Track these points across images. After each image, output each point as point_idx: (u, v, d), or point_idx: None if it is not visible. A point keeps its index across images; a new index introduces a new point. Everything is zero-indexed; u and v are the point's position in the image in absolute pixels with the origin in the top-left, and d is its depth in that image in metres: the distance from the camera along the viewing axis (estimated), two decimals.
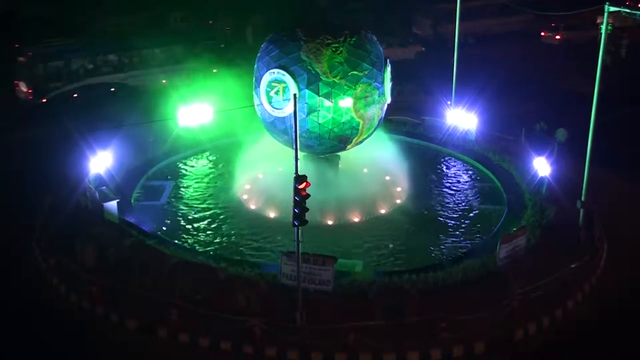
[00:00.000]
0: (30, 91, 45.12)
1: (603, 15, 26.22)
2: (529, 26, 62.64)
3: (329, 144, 30.43)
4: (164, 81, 48.38)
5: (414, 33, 63.09)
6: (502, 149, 36.74)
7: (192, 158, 37.56)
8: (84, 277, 25.33)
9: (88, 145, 31.43)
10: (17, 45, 47.57)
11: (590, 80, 27.17)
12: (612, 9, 26.59)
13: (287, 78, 28.90)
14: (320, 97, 28.95)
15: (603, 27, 26.87)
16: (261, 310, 23.45)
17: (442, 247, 28.79)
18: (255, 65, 30.61)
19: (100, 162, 30.86)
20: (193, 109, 36.34)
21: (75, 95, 45.78)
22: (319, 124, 29.46)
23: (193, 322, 23.33)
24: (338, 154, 31.77)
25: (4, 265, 27.28)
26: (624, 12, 27.64)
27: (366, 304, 23.58)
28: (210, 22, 61.34)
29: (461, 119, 38.20)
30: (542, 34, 63.97)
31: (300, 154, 23.09)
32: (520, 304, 23.72)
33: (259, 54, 30.66)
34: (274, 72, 29.16)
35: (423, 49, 58.75)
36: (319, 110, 29.20)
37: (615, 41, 55.84)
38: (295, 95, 23.38)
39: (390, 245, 28.60)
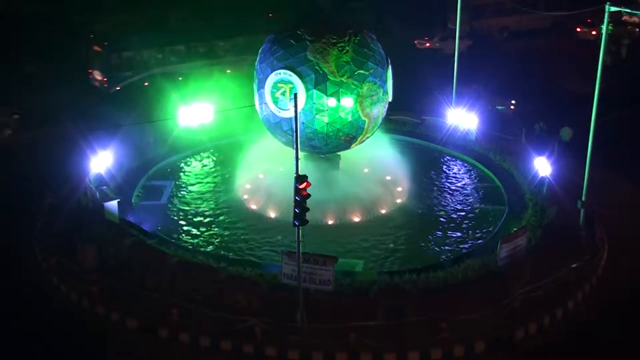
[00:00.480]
0: (105, 79, 46.99)
1: (627, 13, 26.24)
2: (560, 22, 63.63)
3: (335, 144, 30.45)
4: (228, 71, 49.66)
5: (449, 28, 63.75)
6: (502, 148, 36.71)
7: (193, 158, 37.48)
8: (84, 277, 25.33)
9: (89, 145, 31.39)
10: (91, 35, 49.53)
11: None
12: (613, 8, 26.57)
13: (294, 78, 28.82)
14: (328, 97, 28.98)
15: (604, 27, 26.86)
16: (262, 310, 23.45)
17: (440, 247, 28.89)
18: (258, 67, 30.42)
19: (101, 161, 30.80)
20: (194, 108, 36.25)
21: (146, 83, 47.44)
22: (327, 123, 29.46)
23: (193, 322, 23.33)
24: (339, 153, 31.75)
25: (4, 265, 27.25)
26: (625, 11, 27.58)
27: (367, 304, 23.57)
28: (270, 15, 61.53)
29: (462, 118, 38.14)
30: (578, 29, 63.85)
31: (300, 154, 23.06)
32: (521, 304, 23.74)
33: (260, 55, 30.51)
34: (279, 73, 29.03)
35: (471, 42, 59.72)
36: (327, 110, 29.22)
37: (616, 41, 55.82)
38: (295, 95, 23.33)
39: (391, 245, 28.61)
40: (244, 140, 35.70)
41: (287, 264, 24.10)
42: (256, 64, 30.82)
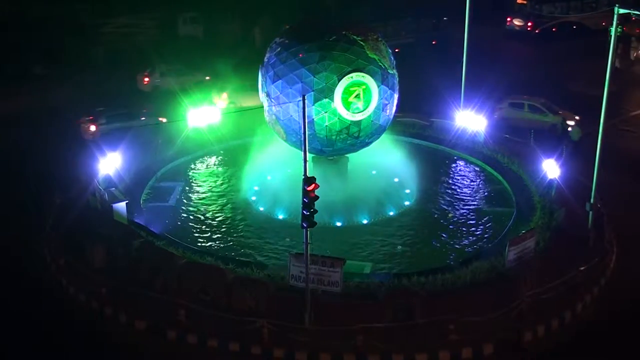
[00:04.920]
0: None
1: (637, 15, 26.36)
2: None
3: (380, 135, 31.49)
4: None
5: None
6: (511, 150, 36.64)
7: (201, 159, 37.59)
8: (92, 278, 25.41)
9: (98, 147, 31.52)
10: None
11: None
12: (622, 11, 26.53)
13: (368, 79, 28.99)
14: (390, 90, 30.06)
15: (612, 29, 26.79)
16: (269, 311, 23.48)
17: (451, 249, 28.85)
18: (309, 79, 28.80)
19: (110, 163, 30.89)
20: (202, 110, 36.36)
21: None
22: (387, 115, 30.48)
23: (201, 323, 23.38)
24: (347, 155, 31.75)
25: (13, 266, 27.38)
26: (634, 14, 27.52)
27: (375, 306, 23.57)
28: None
29: (470, 120, 38.10)
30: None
31: (308, 156, 23.02)
32: (529, 306, 23.69)
33: (305, 68, 28.77)
34: (352, 77, 28.86)
35: None
36: (388, 104, 30.14)
37: (624, 43, 55.68)
38: (304, 96, 23.29)
39: (399, 247, 28.60)
40: (252, 142, 35.83)
41: (295, 265, 24.11)
42: (290, 78, 29.11)
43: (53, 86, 48.59)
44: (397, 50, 57.62)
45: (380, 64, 29.43)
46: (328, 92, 28.80)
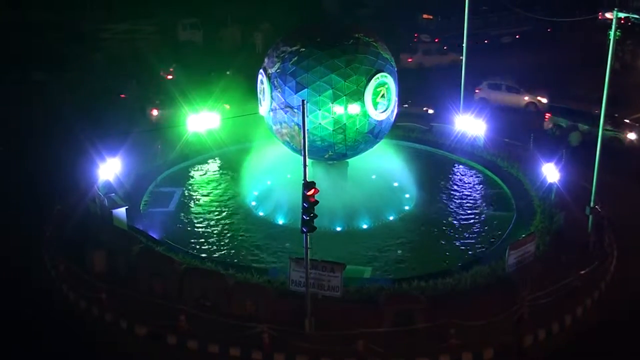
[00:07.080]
0: None
1: (635, 19, 26.40)
2: None
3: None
4: None
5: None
6: (510, 154, 36.66)
7: (201, 164, 37.61)
8: (93, 284, 25.38)
9: (97, 152, 31.47)
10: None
11: None
12: (621, 14, 26.55)
13: (388, 78, 29.58)
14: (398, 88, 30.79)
15: (612, 32, 26.83)
16: (270, 316, 23.45)
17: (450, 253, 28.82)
18: (340, 84, 28.55)
19: (109, 169, 30.86)
20: (202, 115, 36.33)
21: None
22: (395, 112, 31.12)
23: (202, 329, 23.35)
24: (347, 160, 31.75)
25: (13, 272, 27.33)
26: (633, 17, 27.56)
27: (375, 311, 23.54)
28: None
29: (470, 125, 38.13)
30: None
31: (307, 161, 23.00)
32: (530, 310, 23.67)
33: (334, 73, 28.49)
34: (377, 77, 29.16)
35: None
36: (397, 100, 30.76)
37: (622, 47, 55.84)
38: (303, 101, 23.28)
39: (399, 252, 28.57)
40: (252, 147, 35.84)
41: (295, 270, 24.08)
42: (318, 86, 28.59)
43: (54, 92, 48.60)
44: (517, 36, 66.51)
45: (391, 62, 30.03)
46: (358, 95, 28.85)
